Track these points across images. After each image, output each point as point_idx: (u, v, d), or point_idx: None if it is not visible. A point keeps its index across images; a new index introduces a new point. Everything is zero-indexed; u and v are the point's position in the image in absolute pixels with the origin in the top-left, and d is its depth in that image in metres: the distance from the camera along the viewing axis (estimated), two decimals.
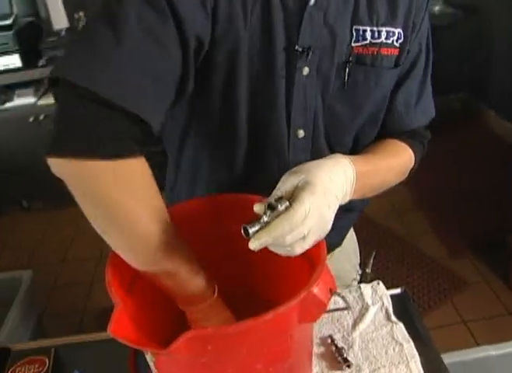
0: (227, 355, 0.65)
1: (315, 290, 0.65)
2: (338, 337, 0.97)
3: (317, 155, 0.89)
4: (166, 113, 0.71)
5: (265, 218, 0.62)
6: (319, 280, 0.65)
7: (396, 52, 0.87)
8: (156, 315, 0.79)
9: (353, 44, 0.84)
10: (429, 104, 1.01)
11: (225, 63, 0.80)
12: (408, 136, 0.98)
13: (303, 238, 0.64)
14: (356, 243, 1.28)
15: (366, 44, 0.84)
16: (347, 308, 0.75)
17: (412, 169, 0.99)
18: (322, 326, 1.00)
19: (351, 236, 1.24)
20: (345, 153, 0.83)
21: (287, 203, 0.63)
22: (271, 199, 0.64)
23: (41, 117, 3.16)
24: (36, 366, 1.01)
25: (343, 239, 1.15)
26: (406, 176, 0.98)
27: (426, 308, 2.36)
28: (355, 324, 1.00)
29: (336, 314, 1.02)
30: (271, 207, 0.62)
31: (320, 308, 0.66)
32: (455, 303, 2.38)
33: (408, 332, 0.97)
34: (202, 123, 0.90)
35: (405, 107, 0.96)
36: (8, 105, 3.15)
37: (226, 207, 0.85)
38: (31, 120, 3.14)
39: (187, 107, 0.89)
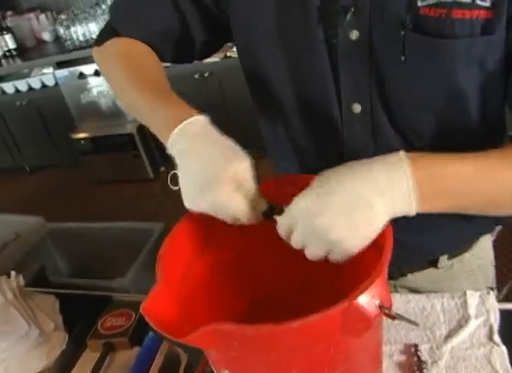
0: (255, 355, 0.61)
1: (359, 301, 0.56)
2: (424, 348, 0.87)
3: (381, 136, 0.80)
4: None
5: None
6: (367, 291, 0.57)
7: (483, 15, 0.66)
8: (212, 303, 0.77)
9: (415, 4, 0.69)
10: None
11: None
12: None
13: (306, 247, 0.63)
14: (491, 262, 1.06)
15: (431, 4, 0.68)
16: (413, 323, 0.65)
17: None
18: (410, 332, 0.90)
19: (482, 251, 1.02)
20: (420, 142, 0.71)
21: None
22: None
23: (206, 74, 3.27)
24: (123, 319, 1.05)
25: (456, 249, 0.99)
26: None
27: None
28: (448, 336, 0.88)
29: (431, 321, 0.91)
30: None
31: (364, 323, 0.57)
32: None
33: (511, 360, 0.83)
34: (259, 96, 0.92)
35: None
36: None
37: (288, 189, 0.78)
38: (197, 76, 3.27)
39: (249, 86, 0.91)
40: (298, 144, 0.92)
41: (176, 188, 0.69)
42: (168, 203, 3.37)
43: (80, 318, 1.13)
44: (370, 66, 0.76)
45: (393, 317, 0.59)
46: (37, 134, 4.14)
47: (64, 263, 2.12)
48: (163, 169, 3.85)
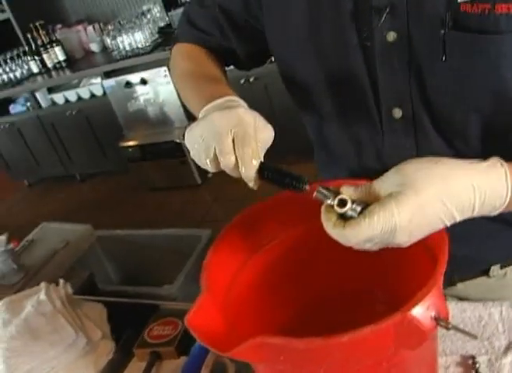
0: (303, 369, 0.58)
1: (413, 314, 0.53)
2: (482, 360, 0.82)
3: (423, 141, 0.76)
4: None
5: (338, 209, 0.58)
6: (422, 302, 0.53)
7: None
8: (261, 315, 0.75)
9: (455, 0, 0.65)
10: None
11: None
12: None
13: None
14: None
15: (473, 0, 0.63)
16: (471, 335, 0.61)
17: None
18: (467, 343, 0.85)
19: None
20: (466, 147, 0.67)
21: (358, 209, 0.57)
22: (352, 195, 0.59)
23: (251, 79, 3.27)
24: (170, 328, 1.04)
25: (510, 258, 0.93)
26: None
27: None
28: (508, 348, 0.83)
29: (488, 331, 0.86)
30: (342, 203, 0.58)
31: (418, 336, 0.54)
32: None
33: None
34: (298, 101, 0.91)
35: None
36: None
37: None
38: (242, 81, 3.27)
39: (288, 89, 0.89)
40: (339, 149, 0.89)
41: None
42: (216, 209, 3.38)
43: (127, 326, 1.13)
44: (410, 68, 0.72)
45: (449, 329, 0.55)
46: (87, 142, 4.22)
47: (113, 271, 2.14)
48: (210, 174, 3.85)
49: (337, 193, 0.59)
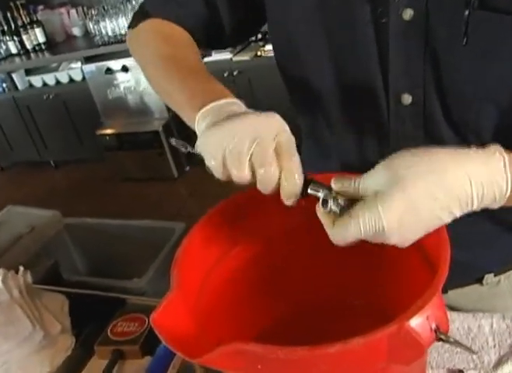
0: None
1: (412, 324, 0.47)
2: None
3: (433, 131, 0.70)
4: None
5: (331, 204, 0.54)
6: (422, 311, 0.47)
7: None
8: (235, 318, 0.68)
9: None
10: None
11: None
12: None
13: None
14: None
15: None
16: (471, 351, 0.55)
17: None
18: (455, 355, 0.79)
19: None
20: (477, 140, 0.62)
21: (342, 204, 0.53)
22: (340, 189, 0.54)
23: (235, 73, 3.20)
24: (136, 324, 0.96)
25: (505, 266, 0.88)
26: None
27: None
28: (499, 363, 0.78)
29: (477, 345, 0.81)
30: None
31: (415, 350, 0.48)
32: None
33: None
34: (294, 86, 0.84)
35: None
36: (206, 60, 3.24)
37: None
38: (226, 74, 3.20)
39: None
40: (338, 139, 0.82)
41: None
42: (192, 204, 3.30)
43: (91, 320, 1.05)
44: (425, 50, 0.66)
45: (450, 344, 0.49)
46: (63, 128, 4.11)
47: (81, 261, 2.05)
48: (187, 168, 3.77)
49: (329, 188, 0.55)
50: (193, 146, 0.60)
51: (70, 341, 0.97)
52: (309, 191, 0.55)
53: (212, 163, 0.57)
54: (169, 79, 0.74)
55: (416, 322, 0.47)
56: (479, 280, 0.87)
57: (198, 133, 0.61)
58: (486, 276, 0.86)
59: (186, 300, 0.59)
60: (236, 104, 0.63)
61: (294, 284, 0.76)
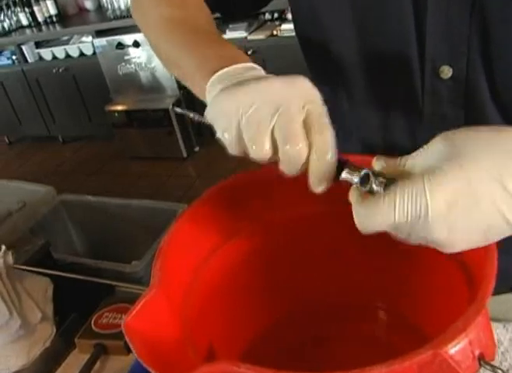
0: None
1: (449, 351, 0.36)
2: None
3: (474, 112, 0.59)
4: None
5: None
6: (463, 335, 0.36)
7: None
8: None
9: None
10: None
11: None
12: None
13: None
14: None
15: None
16: None
17: None
18: None
19: None
20: None
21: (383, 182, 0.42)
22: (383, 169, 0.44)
23: (249, 52, 3.07)
24: (123, 316, 0.86)
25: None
26: None
27: None
28: None
29: (508, 361, 0.70)
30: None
31: None
32: None
33: None
34: (314, 59, 0.73)
35: None
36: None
37: None
38: None
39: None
40: (362, 120, 0.71)
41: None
42: (199, 186, 3.20)
43: (76, 308, 0.96)
44: (472, 14, 0.54)
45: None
46: (72, 103, 4.02)
47: (80, 241, 1.96)
48: (197, 148, 3.67)
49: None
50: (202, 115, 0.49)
51: (50, 331, 0.88)
52: (343, 175, 0.44)
53: (226, 136, 0.45)
54: (176, 44, 0.62)
55: (456, 348, 0.36)
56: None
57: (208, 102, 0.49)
58: None
59: (171, 298, 0.49)
60: (255, 69, 0.51)
61: (297, 280, 0.65)
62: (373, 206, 0.40)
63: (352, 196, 0.44)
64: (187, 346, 0.47)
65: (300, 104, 0.43)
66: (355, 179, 0.44)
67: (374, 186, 0.42)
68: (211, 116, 0.47)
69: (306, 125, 0.43)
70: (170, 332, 0.47)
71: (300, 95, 0.44)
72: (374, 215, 0.40)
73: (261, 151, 0.44)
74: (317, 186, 0.45)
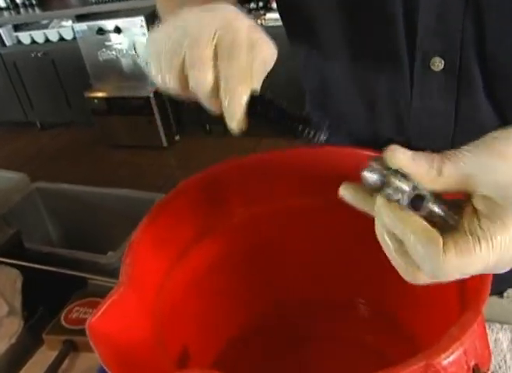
0: None
1: (443, 362, 0.33)
2: None
3: (467, 107, 0.56)
4: None
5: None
6: (457, 345, 0.33)
7: None
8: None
9: None
10: None
11: None
12: None
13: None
14: None
15: None
16: None
17: None
18: None
19: None
20: None
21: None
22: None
23: None
24: (92, 311, 0.82)
25: None
26: None
27: None
28: None
29: (493, 363, 0.68)
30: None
31: None
32: None
33: None
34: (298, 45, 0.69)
35: None
36: None
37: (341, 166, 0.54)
38: None
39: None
40: (349, 112, 0.68)
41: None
42: (179, 176, 3.15)
43: (45, 301, 0.91)
44: (467, 2, 0.51)
45: None
46: (51, 88, 3.93)
47: (55, 231, 1.90)
48: (177, 137, 3.62)
49: (403, 175, 0.34)
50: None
51: (17, 326, 0.84)
52: (371, 179, 0.34)
53: (153, 73, 0.45)
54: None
55: (450, 359, 0.33)
56: (500, 293, 0.74)
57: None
58: (508, 290, 0.73)
59: (141, 298, 0.46)
60: (228, 7, 0.47)
61: (279, 277, 0.62)
62: (467, 254, 0.33)
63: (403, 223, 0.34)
64: (158, 351, 0.44)
65: (211, 30, 0.42)
66: (398, 195, 0.34)
67: (436, 209, 0.34)
68: (144, 56, 0.47)
69: (216, 53, 0.42)
70: (140, 335, 0.44)
71: (213, 22, 0.43)
72: (472, 265, 0.33)
73: (168, 80, 0.44)
74: (231, 120, 0.42)
